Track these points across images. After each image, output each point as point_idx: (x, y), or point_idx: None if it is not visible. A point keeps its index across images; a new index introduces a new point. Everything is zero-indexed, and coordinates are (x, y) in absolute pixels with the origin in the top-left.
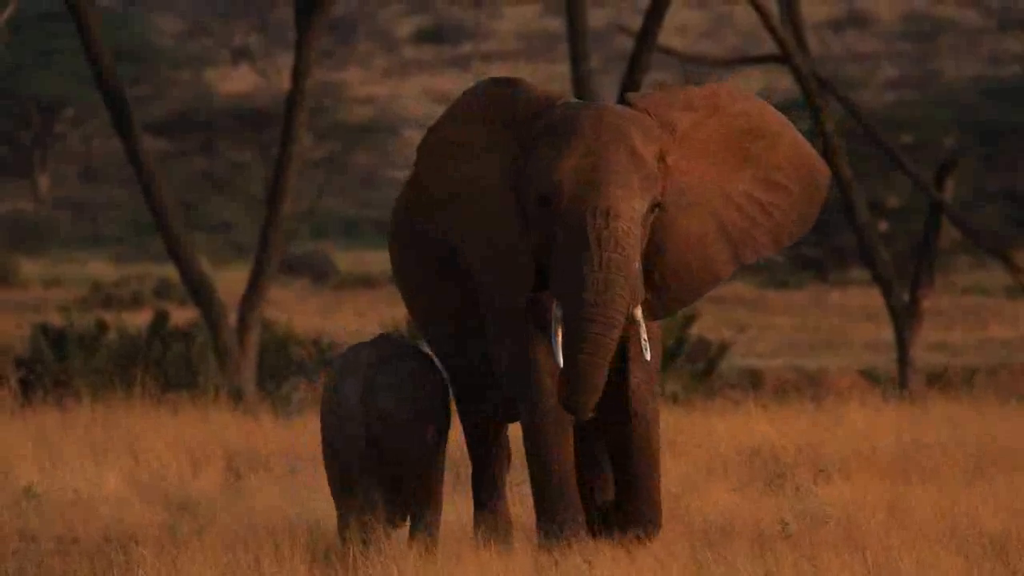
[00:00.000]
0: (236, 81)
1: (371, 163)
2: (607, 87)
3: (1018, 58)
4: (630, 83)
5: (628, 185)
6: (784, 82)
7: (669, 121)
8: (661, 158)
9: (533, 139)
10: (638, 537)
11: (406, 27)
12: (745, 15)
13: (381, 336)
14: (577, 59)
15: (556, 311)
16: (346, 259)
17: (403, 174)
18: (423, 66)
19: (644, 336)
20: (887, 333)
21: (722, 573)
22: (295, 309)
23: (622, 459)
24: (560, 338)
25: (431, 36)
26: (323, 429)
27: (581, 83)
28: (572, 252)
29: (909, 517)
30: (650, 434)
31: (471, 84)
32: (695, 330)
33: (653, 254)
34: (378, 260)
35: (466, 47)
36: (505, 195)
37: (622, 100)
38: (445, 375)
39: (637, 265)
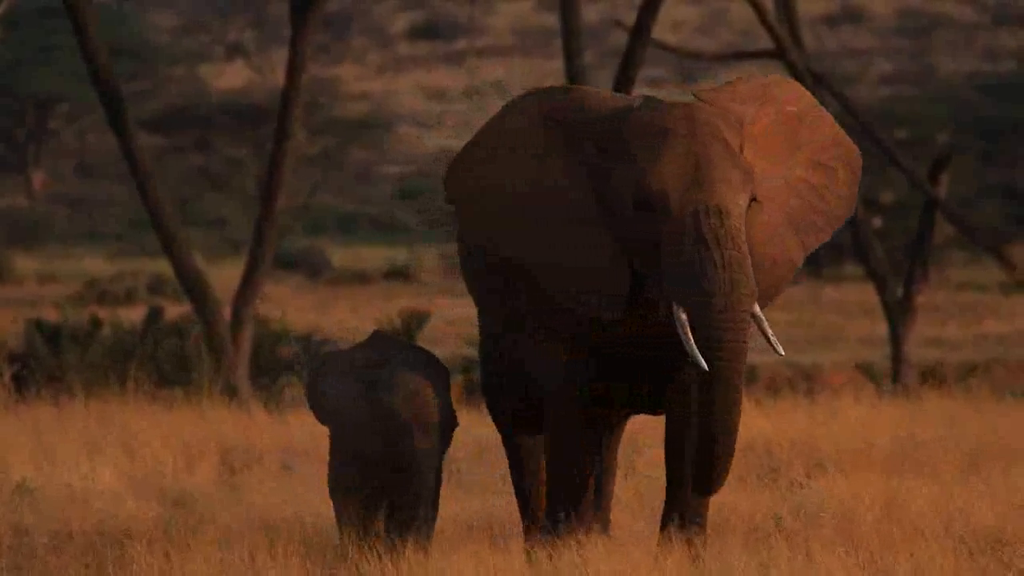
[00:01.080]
0: (231, 77)
1: (366, 159)
2: (602, 82)
3: (1014, 53)
4: (624, 79)
5: (732, 181)
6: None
7: (739, 115)
8: (741, 152)
9: (618, 144)
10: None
11: (400, 23)
12: (740, 11)
13: (375, 333)
14: (571, 55)
15: (678, 312)
16: (341, 255)
17: (398, 170)
18: (418, 62)
19: (769, 331)
20: (882, 329)
21: (717, 568)
22: (290, 305)
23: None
24: (693, 340)
25: (425, 32)
26: (334, 428)
27: (575, 79)
28: (689, 255)
29: (904, 512)
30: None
31: (466, 79)
32: None
33: None
34: (373, 256)
35: (460, 43)
36: (586, 206)
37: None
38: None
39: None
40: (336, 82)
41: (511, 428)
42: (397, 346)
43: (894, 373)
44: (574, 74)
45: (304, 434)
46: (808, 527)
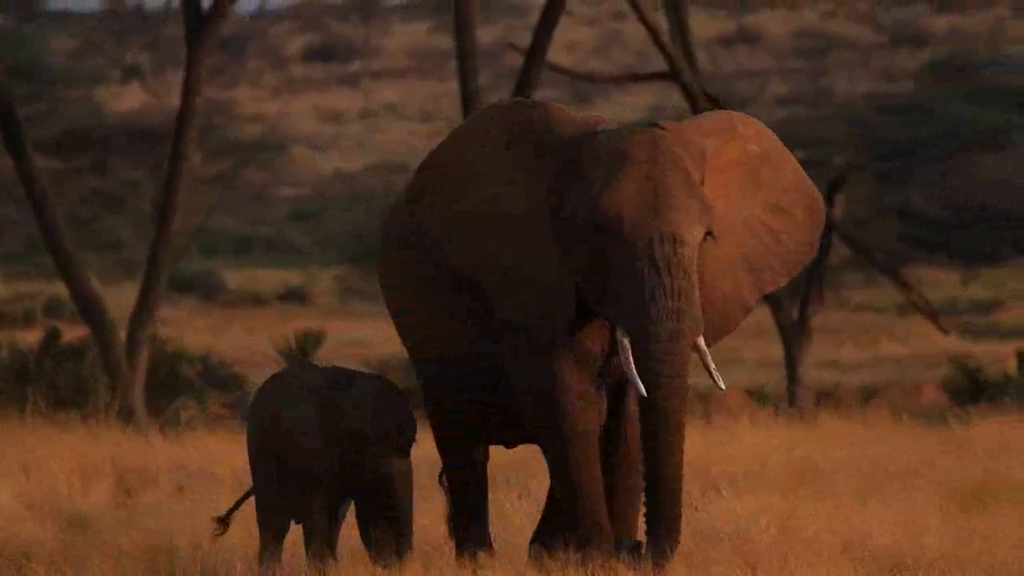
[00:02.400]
0: (127, 99)
1: (261, 181)
2: None
3: (911, 74)
4: None
5: (689, 211)
6: (674, 99)
7: (701, 148)
8: (701, 184)
9: (577, 165)
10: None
11: (295, 45)
12: (634, 32)
13: (305, 361)
14: (466, 76)
15: (621, 337)
16: (236, 277)
17: (293, 191)
18: (313, 84)
19: (711, 364)
20: (778, 351)
21: None
22: (185, 327)
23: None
24: (634, 365)
25: (320, 54)
26: (260, 456)
27: (470, 101)
28: (638, 280)
29: (801, 534)
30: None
31: (361, 101)
32: None
33: None
34: (268, 278)
35: (355, 65)
36: (540, 224)
37: (654, 126)
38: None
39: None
40: (231, 104)
41: (459, 450)
42: (344, 371)
43: (790, 395)
44: (469, 96)
45: (198, 455)
46: (704, 548)
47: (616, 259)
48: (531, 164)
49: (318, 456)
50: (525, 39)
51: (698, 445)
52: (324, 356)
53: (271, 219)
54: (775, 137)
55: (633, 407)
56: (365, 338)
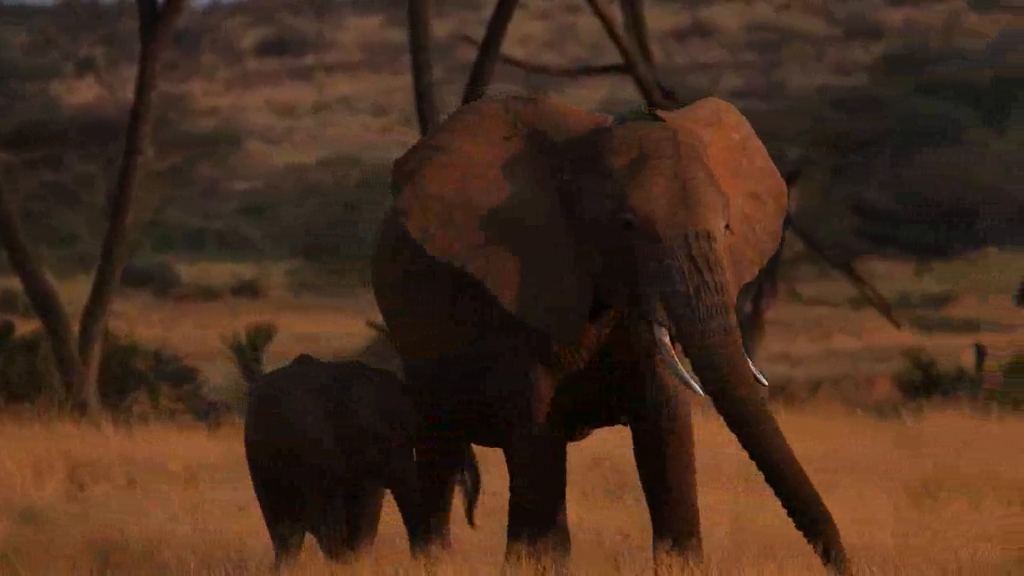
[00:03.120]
0: (81, 93)
1: (214, 174)
2: (451, 98)
3: (865, 67)
4: (472, 94)
5: (715, 206)
6: (628, 92)
7: (702, 139)
8: None
9: (595, 161)
10: (684, 542)
11: (249, 39)
12: (588, 25)
13: (304, 356)
14: (420, 70)
15: (660, 336)
16: (189, 271)
17: (246, 185)
18: (266, 77)
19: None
20: None
21: None
22: (138, 320)
23: (657, 466)
24: (680, 364)
25: (274, 47)
26: (262, 454)
27: (424, 94)
28: (679, 280)
29: (753, 527)
30: (684, 435)
31: (314, 95)
32: None
33: None
34: (220, 272)
35: (309, 58)
36: (552, 222)
37: (651, 116)
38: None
39: None
40: (185, 98)
41: (437, 448)
42: (349, 366)
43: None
44: (422, 90)
45: (150, 448)
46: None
47: (647, 258)
48: (534, 159)
49: (330, 456)
50: (479, 32)
51: None
52: (276, 351)
53: (224, 213)
54: (749, 125)
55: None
56: (315, 332)
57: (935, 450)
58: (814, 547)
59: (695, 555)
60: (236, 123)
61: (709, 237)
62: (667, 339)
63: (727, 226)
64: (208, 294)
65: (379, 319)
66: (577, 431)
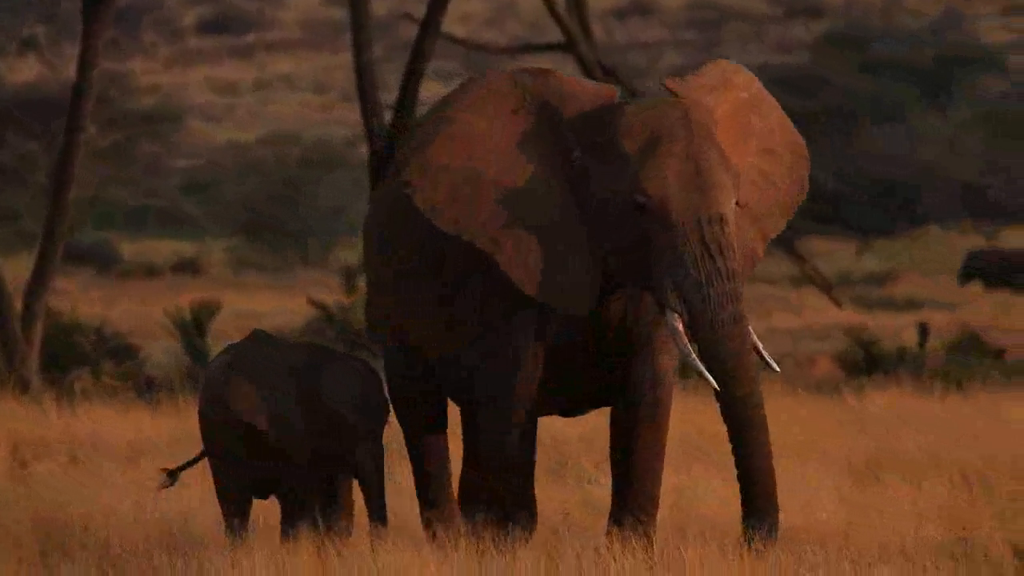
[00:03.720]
0: (23, 72)
1: (156, 152)
2: (391, 76)
3: (806, 46)
4: (413, 72)
5: (727, 187)
6: (568, 70)
7: (709, 107)
8: None
9: (609, 141)
10: (635, 524)
11: (190, 17)
12: (529, 3)
13: (260, 332)
14: (360, 48)
15: (672, 321)
16: (130, 248)
17: (187, 163)
18: (207, 56)
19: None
20: None
21: (504, 562)
22: (79, 298)
23: (628, 447)
24: (693, 351)
25: (215, 26)
26: (220, 431)
27: (364, 72)
28: (692, 265)
29: (694, 507)
30: (661, 423)
31: (255, 73)
32: None
33: None
34: (162, 249)
35: (250, 36)
36: (561, 199)
37: (661, 86)
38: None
39: None
40: (126, 76)
41: (425, 422)
42: (318, 348)
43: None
44: (363, 67)
45: (93, 426)
46: (597, 522)
47: (661, 241)
48: (542, 134)
49: (297, 440)
50: (420, 10)
51: (591, 417)
52: (218, 328)
53: (165, 190)
54: (759, 82)
55: (660, 368)
56: (258, 310)
57: (877, 429)
58: (744, 531)
59: (641, 536)
60: (177, 101)
61: (722, 221)
62: (680, 326)
63: (737, 202)
64: (149, 271)
65: (317, 296)
66: (573, 407)
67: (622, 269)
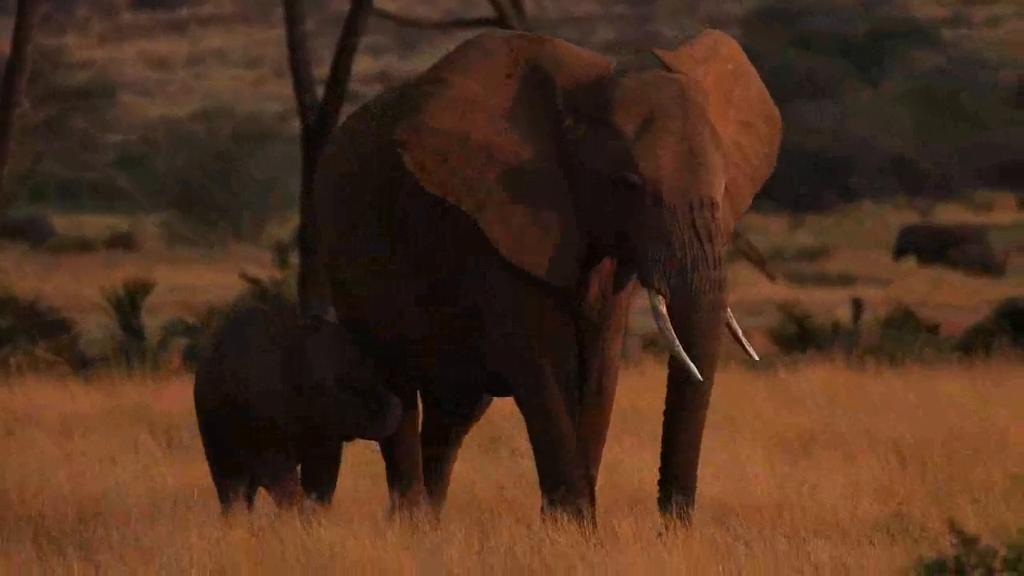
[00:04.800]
0: None
1: (89, 127)
2: (323, 50)
3: (738, 20)
4: (345, 47)
5: (720, 171)
6: None
7: (699, 80)
8: None
9: (601, 111)
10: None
11: None
12: None
13: (257, 308)
14: (293, 22)
15: (655, 302)
16: (64, 223)
17: (120, 137)
18: (140, 31)
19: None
20: None
21: (438, 538)
22: (13, 273)
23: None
24: (675, 333)
25: (148, 1)
26: (211, 405)
27: (297, 46)
28: (678, 247)
29: (627, 481)
30: (606, 415)
31: (187, 48)
32: None
33: None
34: (95, 223)
35: (183, 12)
36: (548, 167)
37: (652, 56)
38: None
39: None
40: (59, 51)
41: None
42: (302, 318)
43: None
44: (295, 42)
45: (26, 400)
46: (530, 496)
47: (650, 221)
48: (534, 100)
49: (282, 408)
50: None
51: None
52: (152, 303)
53: (99, 165)
54: (744, 55)
55: (609, 354)
56: (192, 284)
57: (810, 404)
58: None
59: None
60: (110, 76)
61: (712, 206)
62: (664, 308)
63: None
64: (83, 246)
65: (251, 270)
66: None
67: (606, 242)
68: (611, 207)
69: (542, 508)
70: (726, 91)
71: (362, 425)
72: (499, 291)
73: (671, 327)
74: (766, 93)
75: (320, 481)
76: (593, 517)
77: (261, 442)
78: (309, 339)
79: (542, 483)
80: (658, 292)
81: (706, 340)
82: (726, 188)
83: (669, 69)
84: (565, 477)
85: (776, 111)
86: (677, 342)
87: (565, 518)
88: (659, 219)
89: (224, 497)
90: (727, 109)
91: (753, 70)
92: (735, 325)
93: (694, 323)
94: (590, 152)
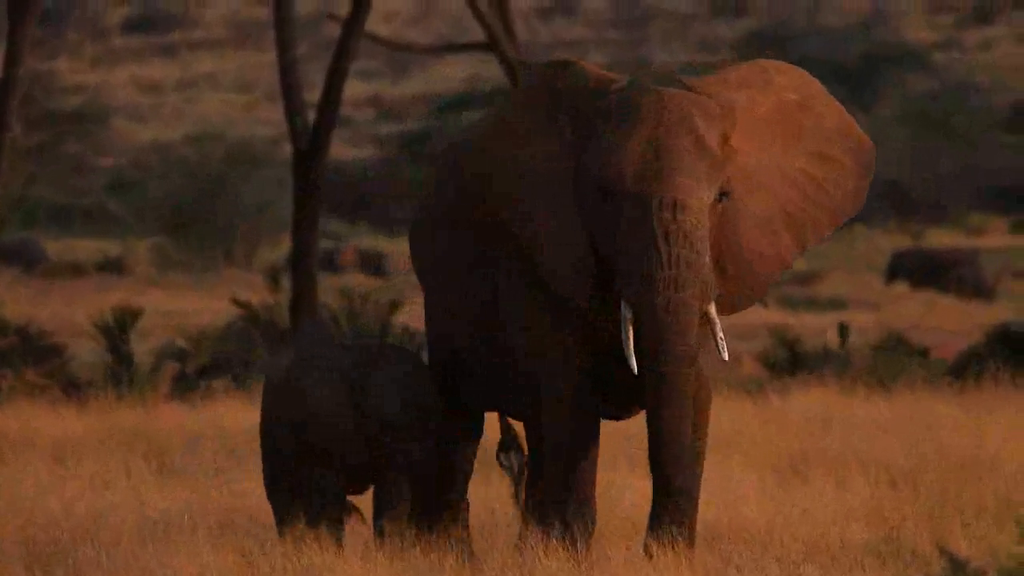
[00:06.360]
0: None
1: (81, 151)
2: (314, 75)
3: (730, 44)
4: (337, 71)
5: (695, 174)
6: (492, 70)
7: (728, 101)
8: (725, 141)
9: (590, 124)
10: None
11: (115, 16)
12: (452, 2)
13: (309, 323)
14: (284, 47)
15: (625, 311)
16: (56, 247)
17: (111, 162)
18: (132, 54)
19: (720, 334)
20: None
21: (428, 563)
22: (5, 297)
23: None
24: (632, 342)
25: (140, 25)
26: (279, 430)
27: (288, 71)
28: (638, 249)
29: (619, 506)
30: (703, 429)
31: (179, 72)
32: (400, 318)
33: (724, 244)
34: (88, 248)
35: (174, 35)
36: (564, 185)
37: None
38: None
39: (708, 260)
40: (51, 75)
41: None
42: (380, 348)
43: None
44: (287, 66)
45: (17, 426)
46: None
47: (620, 225)
48: (544, 124)
49: (348, 442)
50: (343, 9)
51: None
52: (143, 327)
53: (90, 189)
54: (816, 83)
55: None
56: (183, 309)
57: (802, 429)
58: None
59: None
60: (102, 100)
61: (675, 206)
62: (630, 315)
63: (725, 195)
64: (75, 271)
65: (242, 295)
66: (622, 409)
67: (606, 260)
68: (599, 218)
69: (532, 526)
70: (791, 121)
71: (428, 462)
72: (514, 304)
73: (631, 332)
74: (852, 127)
75: (389, 506)
76: (588, 541)
77: (322, 464)
78: (375, 371)
79: (545, 498)
80: (627, 299)
81: (662, 339)
82: (792, 218)
83: (688, 88)
84: (577, 499)
85: (867, 142)
86: (631, 343)
87: (555, 543)
88: (626, 224)
89: (280, 519)
90: (794, 141)
91: (833, 102)
92: (717, 329)
93: (649, 324)
94: (583, 165)
